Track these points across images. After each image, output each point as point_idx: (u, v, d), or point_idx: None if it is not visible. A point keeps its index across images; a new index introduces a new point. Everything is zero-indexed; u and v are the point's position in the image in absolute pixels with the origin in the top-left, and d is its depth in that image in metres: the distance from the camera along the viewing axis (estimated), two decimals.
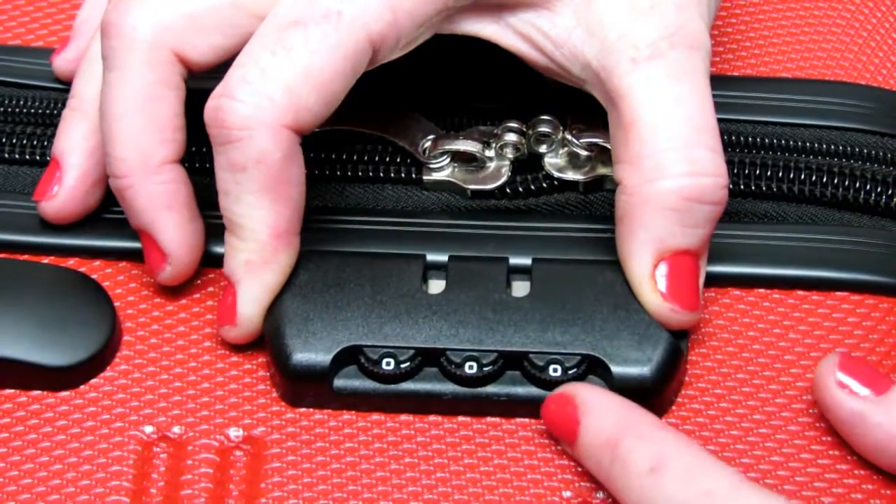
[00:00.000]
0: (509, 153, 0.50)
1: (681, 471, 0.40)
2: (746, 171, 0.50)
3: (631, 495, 0.41)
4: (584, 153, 0.49)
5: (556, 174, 0.49)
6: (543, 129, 0.49)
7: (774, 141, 0.51)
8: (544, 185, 0.49)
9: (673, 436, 0.41)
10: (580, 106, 0.48)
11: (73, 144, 0.49)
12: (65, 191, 0.48)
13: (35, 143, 0.52)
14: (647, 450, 0.41)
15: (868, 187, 0.49)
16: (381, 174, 0.50)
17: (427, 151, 0.50)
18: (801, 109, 0.52)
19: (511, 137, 0.49)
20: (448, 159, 0.50)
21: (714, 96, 0.48)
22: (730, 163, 0.49)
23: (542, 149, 0.50)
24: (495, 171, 0.50)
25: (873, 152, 0.51)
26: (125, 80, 0.46)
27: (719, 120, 0.51)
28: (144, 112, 0.46)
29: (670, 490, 0.40)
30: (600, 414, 0.43)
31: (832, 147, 0.51)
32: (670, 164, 0.44)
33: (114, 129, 0.46)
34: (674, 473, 0.40)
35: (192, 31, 0.46)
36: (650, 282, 0.45)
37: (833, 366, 0.43)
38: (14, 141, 0.52)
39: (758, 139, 0.51)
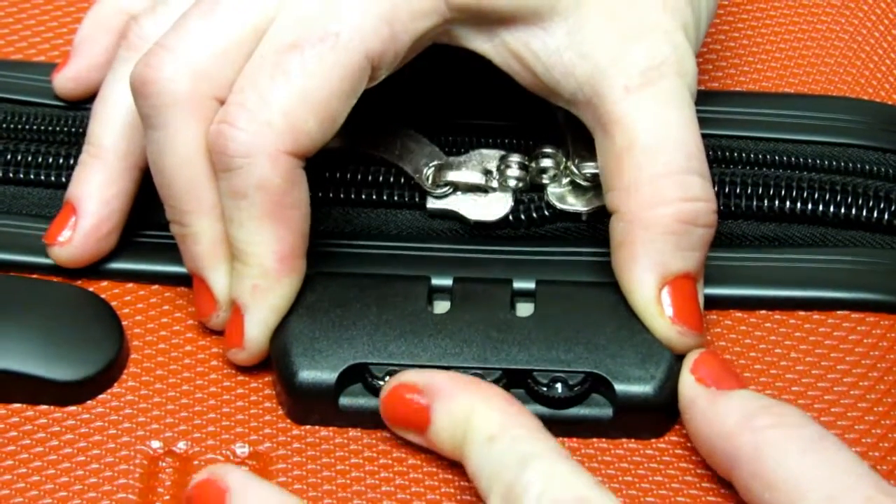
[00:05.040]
0: (511, 183, 0.50)
1: (511, 438, 0.41)
2: (749, 191, 0.50)
3: (471, 461, 0.42)
4: (586, 184, 0.49)
5: (559, 205, 0.49)
6: (546, 163, 0.50)
7: (776, 157, 0.51)
8: (546, 213, 0.49)
9: (517, 410, 0.43)
10: (583, 124, 0.48)
11: (89, 191, 0.48)
12: (80, 237, 0.48)
13: (40, 160, 0.51)
14: (492, 421, 0.42)
15: (871, 204, 0.49)
16: (386, 198, 0.50)
17: (430, 179, 0.50)
18: (802, 125, 0.52)
19: (514, 172, 0.49)
20: (451, 189, 0.50)
21: (716, 112, 0.48)
22: (731, 183, 0.50)
23: (545, 180, 0.50)
24: (498, 201, 0.50)
25: (875, 168, 0.51)
26: (174, 136, 0.45)
27: (721, 136, 0.51)
28: (200, 162, 0.45)
29: (497, 455, 0.41)
30: (451, 396, 0.43)
31: (834, 163, 0.51)
32: (667, 189, 0.44)
33: (173, 182, 0.46)
34: (503, 440, 0.41)
35: (226, 70, 0.45)
36: (657, 305, 0.45)
37: (690, 361, 0.44)
38: (19, 158, 0.52)
39: (759, 155, 0.51)
